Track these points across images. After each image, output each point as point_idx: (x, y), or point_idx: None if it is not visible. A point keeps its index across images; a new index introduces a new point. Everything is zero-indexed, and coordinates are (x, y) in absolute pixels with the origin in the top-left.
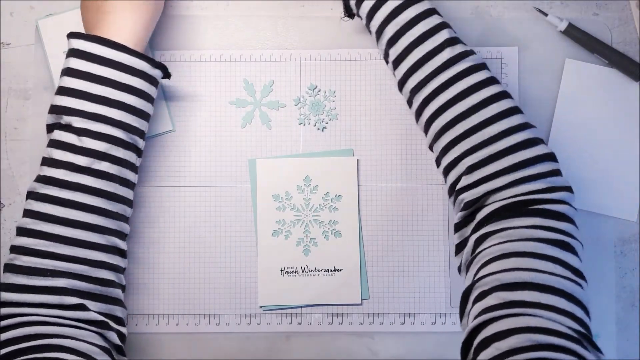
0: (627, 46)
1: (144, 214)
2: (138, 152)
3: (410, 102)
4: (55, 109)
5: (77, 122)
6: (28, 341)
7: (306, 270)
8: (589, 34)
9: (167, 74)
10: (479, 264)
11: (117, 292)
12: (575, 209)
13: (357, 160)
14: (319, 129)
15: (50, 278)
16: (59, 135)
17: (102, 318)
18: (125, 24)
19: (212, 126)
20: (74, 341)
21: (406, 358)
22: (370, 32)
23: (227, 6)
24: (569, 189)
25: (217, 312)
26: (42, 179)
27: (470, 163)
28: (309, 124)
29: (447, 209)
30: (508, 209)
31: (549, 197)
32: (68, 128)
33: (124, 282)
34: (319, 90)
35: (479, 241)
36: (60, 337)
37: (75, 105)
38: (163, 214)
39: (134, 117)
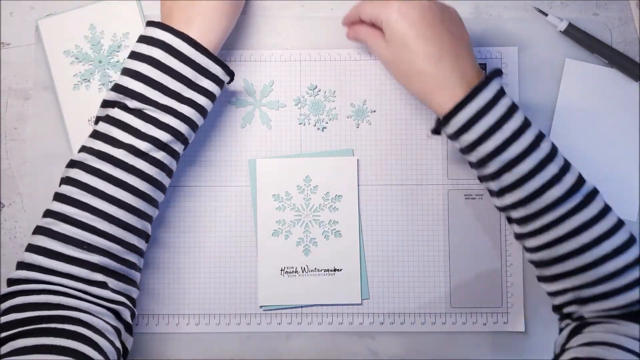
0: (627, 46)
1: None
2: (187, 145)
3: (509, 219)
4: (125, 91)
5: (149, 110)
6: (50, 309)
7: (306, 270)
8: (589, 34)
9: (232, 79)
10: (577, 334)
11: (136, 275)
12: None
13: (357, 160)
14: (319, 129)
15: (85, 251)
16: (124, 116)
17: (120, 298)
18: (213, 28)
19: (212, 126)
20: (91, 317)
21: (406, 358)
22: (459, 149)
23: None
24: None
25: (217, 312)
26: (96, 153)
27: (584, 296)
28: (309, 124)
29: (447, 209)
30: (616, 316)
31: None
32: (136, 112)
33: (141, 266)
34: (319, 90)
35: (583, 326)
36: (80, 311)
37: (151, 94)
38: (163, 214)
39: (198, 115)
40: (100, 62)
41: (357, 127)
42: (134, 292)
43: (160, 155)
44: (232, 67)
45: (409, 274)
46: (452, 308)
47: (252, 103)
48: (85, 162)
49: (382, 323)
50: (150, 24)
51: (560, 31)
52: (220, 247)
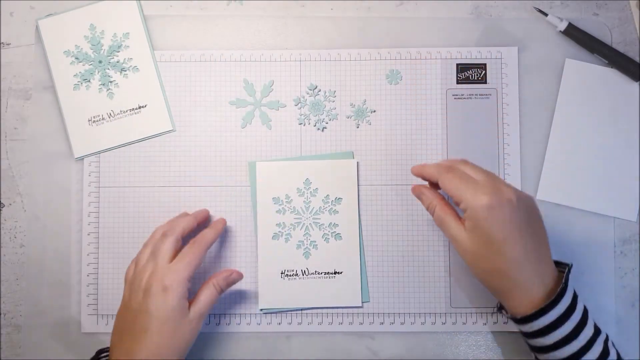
0: (627, 46)
1: (143, 215)
2: None
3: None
4: None
5: None
6: None
7: (306, 273)
8: (589, 34)
9: None
10: None
11: None
12: None
13: (357, 162)
14: (318, 129)
15: None
16: None
17: None
18: (159, 351)
19: (212, 126)
20: None
21: (406, 358)
22: (524, 336)
23: (228, 6)
24: None
25: (217, 312)
26: None
27: None
28: (309, 124)
29: None
30: None
31: None
32: None
33: None
34: (319, 90)
35: None
36: None
37: None
38: (163, 215)
39: None
40: (100, 62)
41: (357, 127)
42: None
43: None
44: (232, 67)
45: (409, 275)
46: (452, 308)
47: (252, 103)
48: None
49: (382, 323)
50: (98, 352)
51: (560, 31)
52: (220, 249)
